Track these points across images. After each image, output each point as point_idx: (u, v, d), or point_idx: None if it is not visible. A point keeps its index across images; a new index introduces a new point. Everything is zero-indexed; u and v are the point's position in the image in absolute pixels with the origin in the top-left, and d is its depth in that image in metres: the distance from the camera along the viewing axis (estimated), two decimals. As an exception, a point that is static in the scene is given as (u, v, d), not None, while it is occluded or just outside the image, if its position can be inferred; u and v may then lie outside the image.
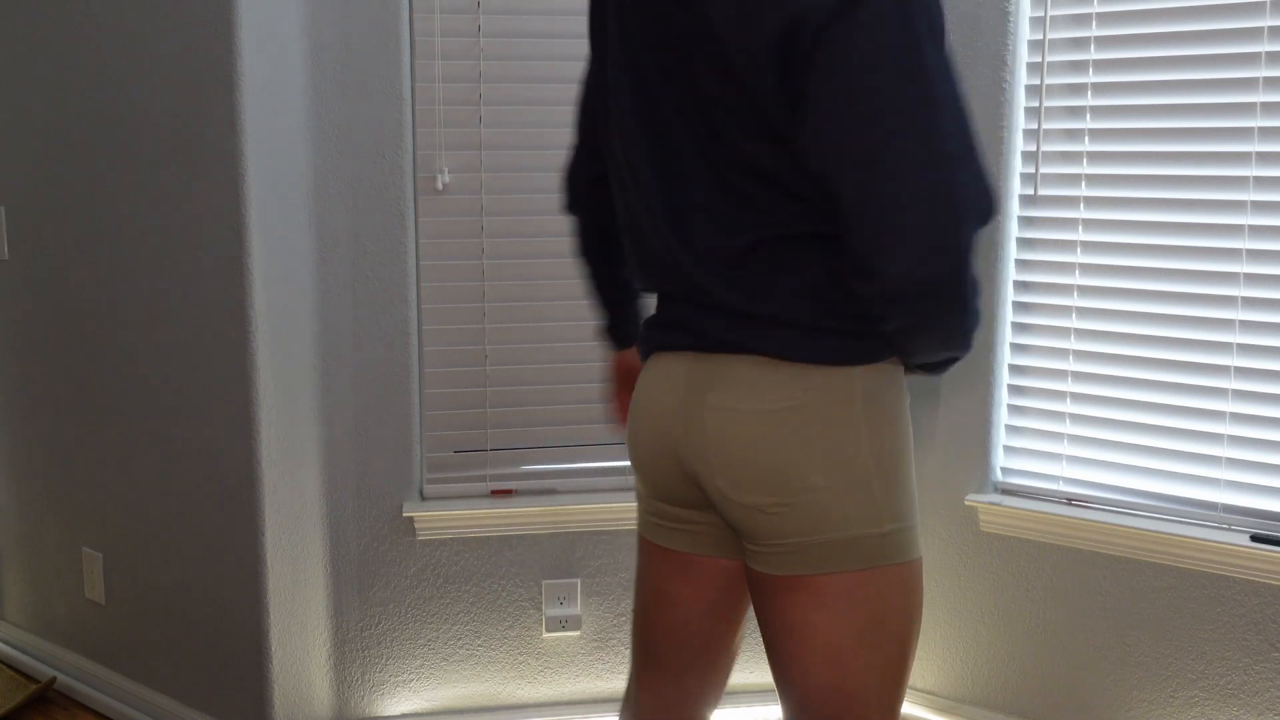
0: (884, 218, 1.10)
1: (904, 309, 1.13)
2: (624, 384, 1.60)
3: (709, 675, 1.45)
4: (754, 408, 1.23)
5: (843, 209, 1.13)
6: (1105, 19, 2.10)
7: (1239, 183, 2.01)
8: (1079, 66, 2.13)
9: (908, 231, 1.09)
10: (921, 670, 2.44)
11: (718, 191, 1.22)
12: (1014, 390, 2.28)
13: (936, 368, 1.28)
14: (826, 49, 1.08)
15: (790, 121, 1.14)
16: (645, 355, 1.37)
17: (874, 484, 1.23)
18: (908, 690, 2.47)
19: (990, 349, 2.27)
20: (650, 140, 1.27)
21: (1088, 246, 2.16)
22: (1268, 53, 1.96)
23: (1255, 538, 2.02)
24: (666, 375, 1.32)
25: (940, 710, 2.41)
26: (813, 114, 1.11)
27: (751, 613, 2.38)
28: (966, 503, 2.31)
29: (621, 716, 1.52)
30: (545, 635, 2.39)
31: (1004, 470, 2.31)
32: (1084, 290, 2.17)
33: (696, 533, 1.38)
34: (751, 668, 2.45)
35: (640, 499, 1.44)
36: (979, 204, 1.10)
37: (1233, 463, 2.06)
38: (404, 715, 2.39)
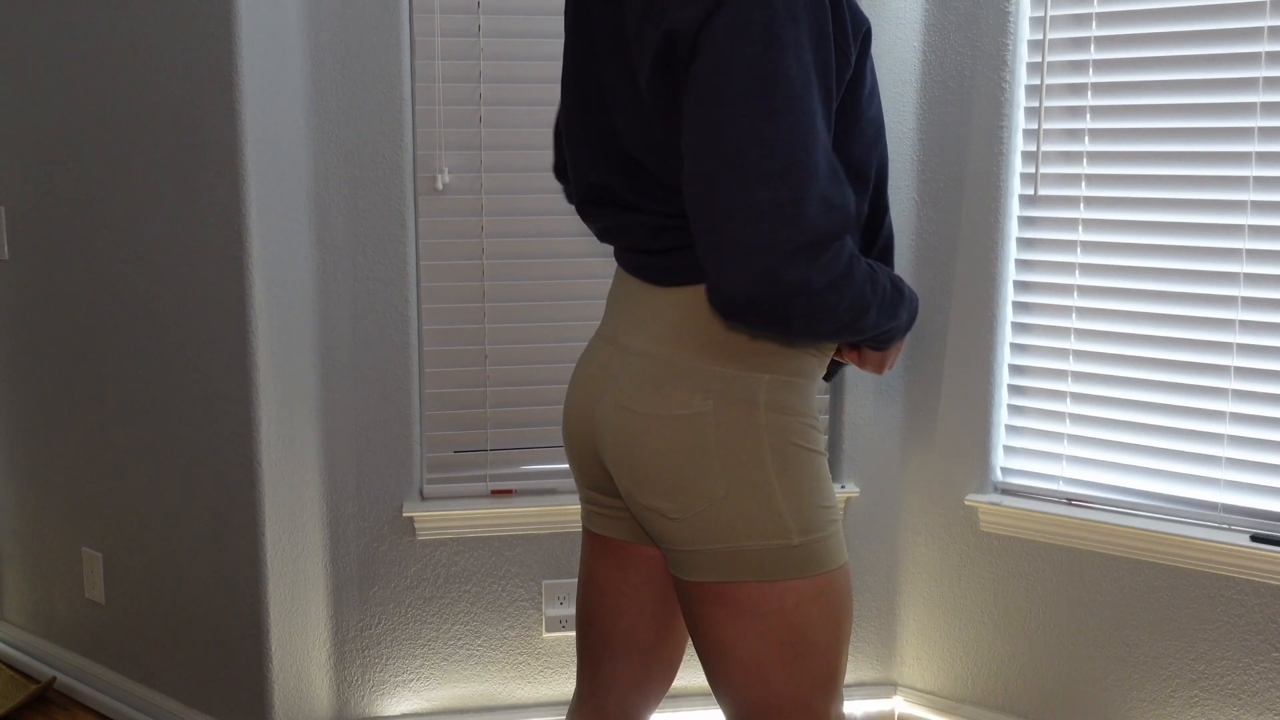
0: (717, 231, 1.06)
1: (748, 322, 1.08)
2: None
3: (647, 666, 1.45)
4: (655, 412, 1.22)
5: (689, 218, 1.11)
6: (1105, 19, 2.10)
7: (1239, 183, 2.01)
8: (1079, 66, 2.13)
9: (741, 246, 1.04)
10: (921, 670, 2.44)
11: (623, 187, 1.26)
12: (1014, 390, 2.28)
13: (876, 344, 1.26)
14: (696, 59, 1.09)
15: (669, 133, 1.16)
16: None
17: (778, 496, 1.21)
18: (909, 690, 2.47)
19: (990, 349, 2.27)
20: (571, 126, 1.32)
21: (1088, 246, 2.16)
22: (1268, 53, 1.96)
23: (1255, 538, 2.02)
24: (590, 361, 1.34)
25: (940, 710, 2.41)
26: (682, 125, 1.11)
27: None
28: (966, 503, 2.31)
29: (569, 711, 1.52)
30: (545, 635, 2.39)
31: (1004, 470, 2.31)
32: (1084, 290, 2.17)
33: (625, 519, 1.39)
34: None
35: (576, 485, 1.45)
36: (814, 226, 1.04)
37: (1233, 463, 2.06)
38: (404, 715, 2.39)
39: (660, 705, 2.44)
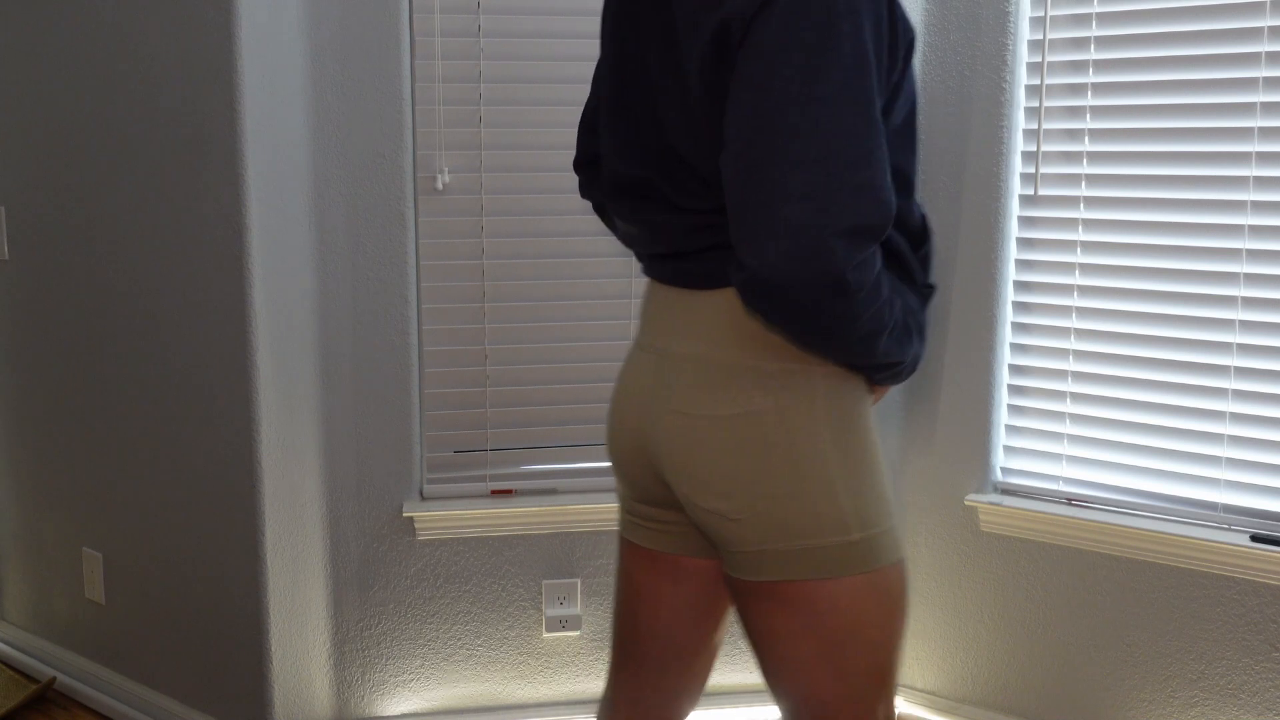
0: (751, 211, 1.06)
1: (765, 305, 1.08)
2: None
3: (686, 675, 1.45)
4: (713, 414, 1.21)
5: (726, 197, 1.10)
6: (1105, 19, 2.10)
7: (1239, 183, 2.00)
8: (1079, 66, 2.13)
9: (774, 227, 1.04)
10: (921, 670, 2.44)
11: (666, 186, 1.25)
12: (1014, 390, 2.28)
13: (876, 373, 1.24)
14: (747, 43, 1.08)
15: (715, 126, 1.15)
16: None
17: (840, 492, 1.21)
18: (909, 690, 2.47)
19: (990, 349, 2.27)
20: (611, 133, 1.31)
21: (1088, 246, 2.16)
22: (1268, 53, 1.95)
23: (1255, 538, 2.02)
24: (635, 372, 1.32)
25: (940, 710, 2.41)
26: (727, 110, 1.11)
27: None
28: (966, 503, 2.31)
29: (599, 716, 1.52)
30: (545, 635, 2.39)
31: (1004, 470, 2.31)
32: (1084, 290, 2.17)
33: (675, 533, 1.38)
34: (751, 668, 2.45)
35: (620, 498, 1.44)
36: (860, 213, 1.04)
37: (1233, 463, 2.06)
38: (404, 715, 2.39)
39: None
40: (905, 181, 1.25)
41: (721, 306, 1.22)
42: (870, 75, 1.07)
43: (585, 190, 1.49)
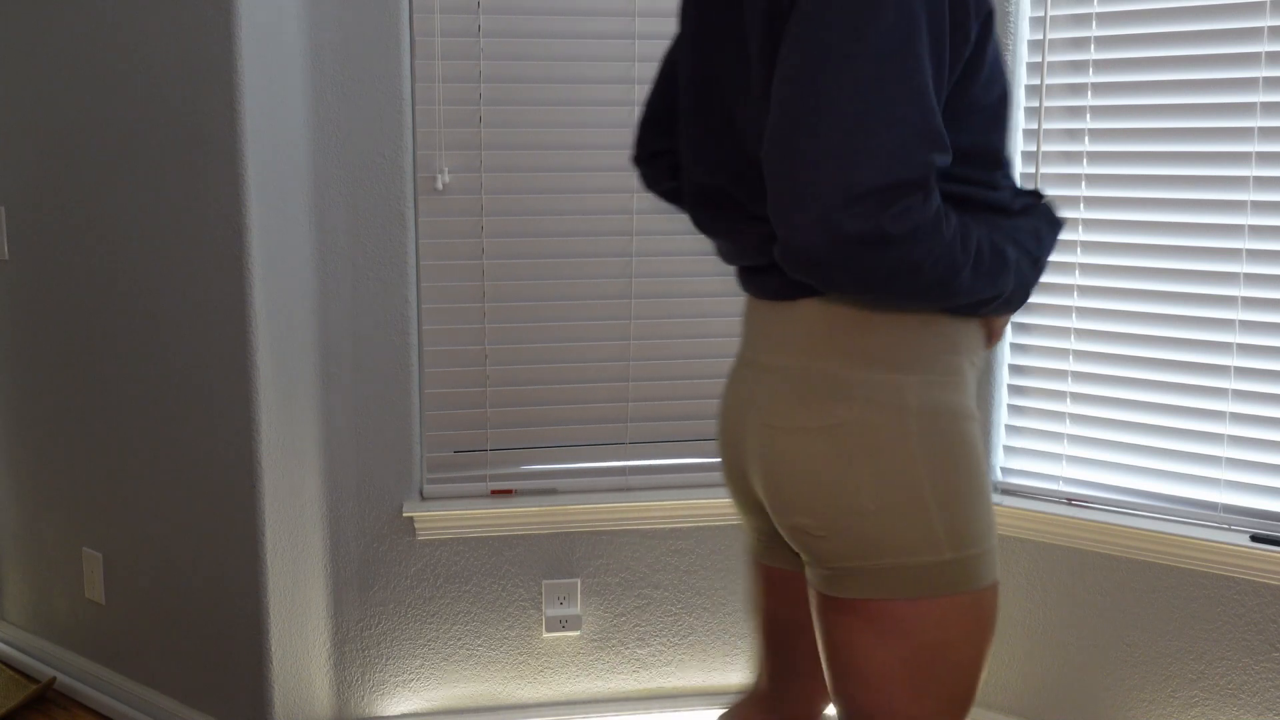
0: (777, 180, 1.02)
1: (806, 274, 1.03)
2: None
3: (820, 677, 1.44)
4: (796, 425, 1.18)
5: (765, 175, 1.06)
6: (1105, 19, 2.10)
7: (1239, 183, 2.00)
8: (1079, 66, 2.13)
9: (803, 191, 0.99)
10: (921, 670, 2.44)
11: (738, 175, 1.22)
12: (1014, 390, 2.28)
13: (979, 310, 1.17)
14: (796, 7, 1.05)
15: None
16: None
17: (931, 509, 1.15)
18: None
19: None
20: (688, 140, 1.29)
21: (1088, 246, 2.16)
22: (1268, 53, 1.95)
23: (1255, 538, 2.02)
24: (735, 386, 1.30)
25: (940, 710, 2.41)
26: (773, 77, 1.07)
27: None
28: (966, 503, 2.30)
29: (739, 708, 1.51)
30: (545, 635, 2.39)
31: (1004, 470, 2.31)
32: (1084, 290, 2.17)
33: (786, 547, 1.36)
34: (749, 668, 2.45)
35: (740, 514, 1.43)
36: (894, 168, 0.98)
37: (1233, 463, 2.06)
38: (404, 715, 2.39)
39: (659, 705, 2.44)
40: (993, 158, 1.18)
41: (805, 317, 1.19)
42: (918, 41, 1.01)
43: (648, 184, 1.48)
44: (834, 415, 1.16)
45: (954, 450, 1.17)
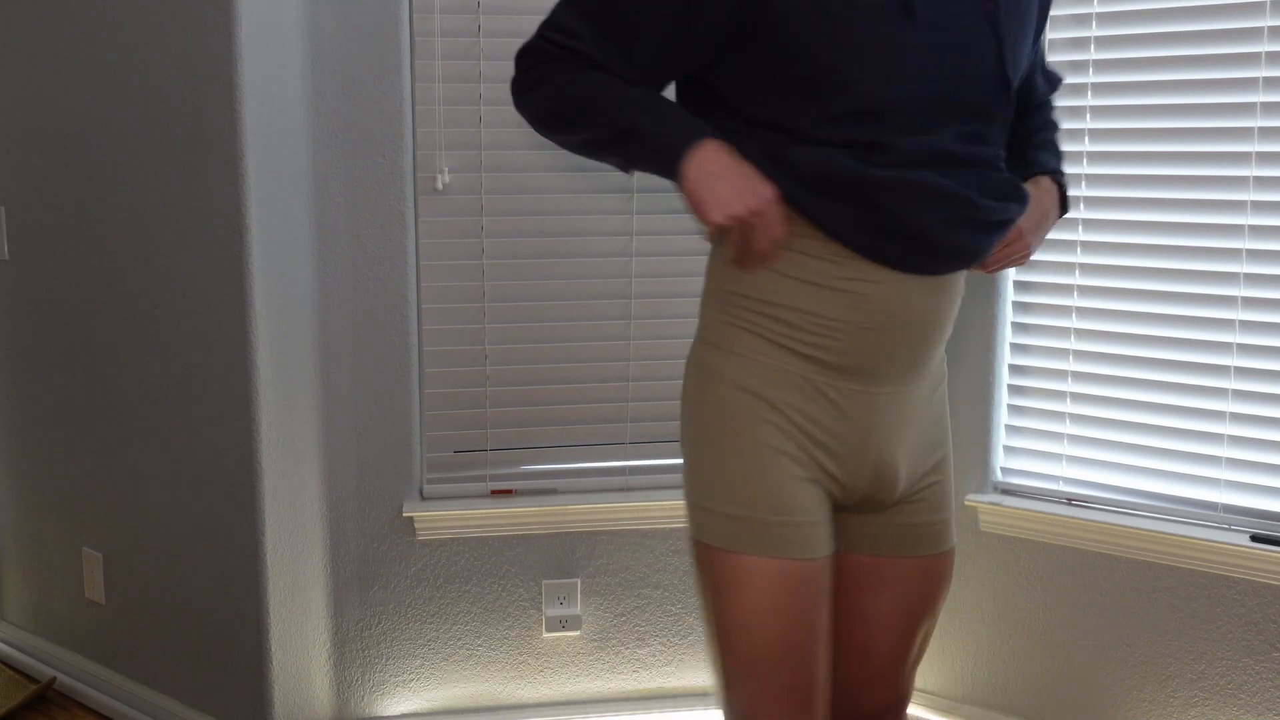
0: None
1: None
2: None
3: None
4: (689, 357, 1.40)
5: None
6: (1105, 19, 2.10)
7: (1239, 183, 2.01)
8: (1079, 66, 2.13)
9: None
10: (922, 670, 2.44)
11: None
12: (1014, 390, 2.28)
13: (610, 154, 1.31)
14: None
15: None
16: None
17: (696, 457, 1.33)
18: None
19: (990, 349, 2.27)
20: None
21: (1088, 246, 2.16)
22: (1268, 53, 1.96)
23: (1255, 538, 2.02)
24: None
25: (940, 710, 2.41)
26: None
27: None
28: (966, 503, 2.31)
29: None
30: (545, 635, 2.39)
31: (1004, 470, 2.31)
32: (1084, 290, 2.17)
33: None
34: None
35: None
36: (541, 31, 1.29)
37: (1233, 463, 2.06)
38: (404, 715, 2.39)
39: (659, 705, 2.44)
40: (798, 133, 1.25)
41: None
42: None
43: None
44: (691, 354, 1.38)
45: (706, 406, 1.32)
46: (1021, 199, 1.33)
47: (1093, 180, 2.14)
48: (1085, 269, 2.17)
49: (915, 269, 1.27)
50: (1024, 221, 1.38)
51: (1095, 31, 2.11)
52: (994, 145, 1.30)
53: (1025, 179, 1.44)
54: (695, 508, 1.32)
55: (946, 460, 1.44)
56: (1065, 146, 2.17)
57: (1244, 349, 2.03)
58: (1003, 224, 1.31)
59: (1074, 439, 2.22)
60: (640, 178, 2.27)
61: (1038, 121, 1.50)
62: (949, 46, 1.23)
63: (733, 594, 1.29)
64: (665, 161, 1.22)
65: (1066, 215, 2.18)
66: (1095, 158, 2.14)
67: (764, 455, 1.28)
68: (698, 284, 2.33)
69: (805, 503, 1.29)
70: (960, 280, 1.34)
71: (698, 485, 1.31)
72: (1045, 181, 1.44)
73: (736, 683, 1.31)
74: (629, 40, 1.24)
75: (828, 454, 1.31)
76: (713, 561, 1.30)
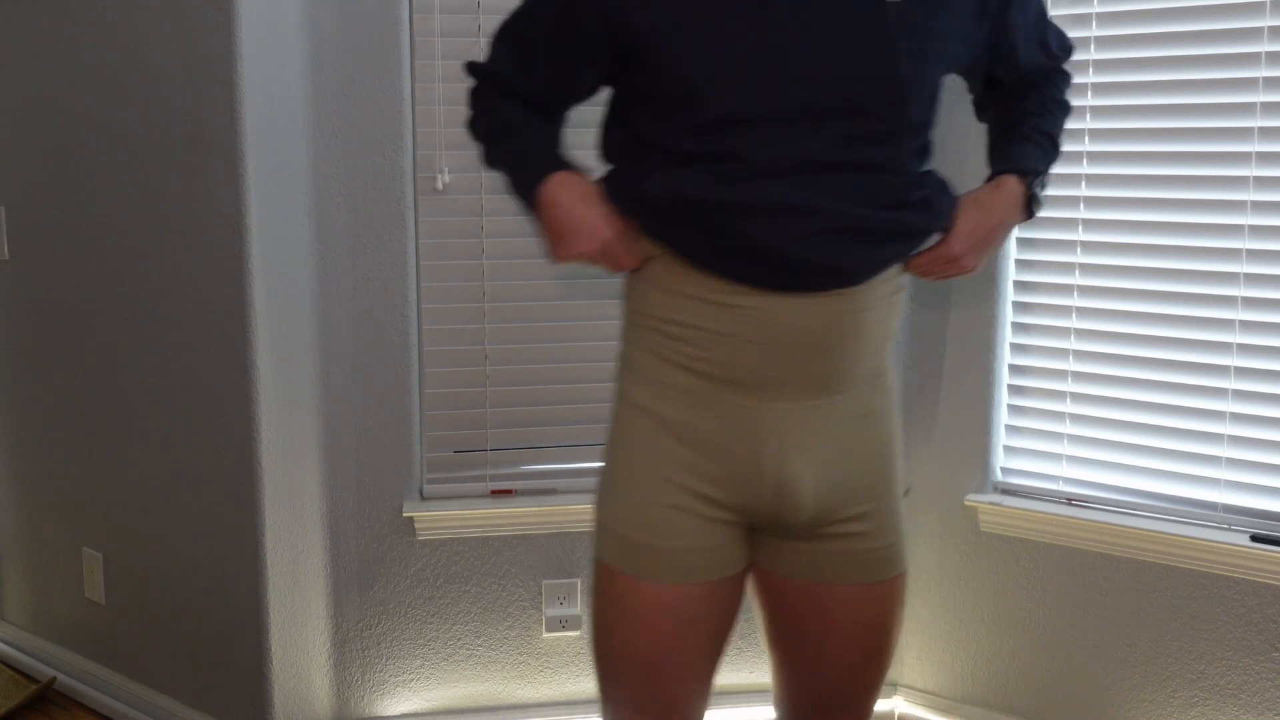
0: None
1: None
2: None
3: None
4: None
5: None
6: (1105, 19, 2.10)
7: (1239, 183, 2.01)
8: (1079, 66, 2.13)
9: None
10: (921, 670, 2.44)
11: None
12: (1014, 390, 2.28)
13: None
14: None
15: None
16: None
17: (602, 467, 1.37)
18: (909, 690, 2.47)
19: (990, 349, 2.27)
20: None
21: (1088, 246, 2.16)
22: (1268, 53, 1.96)
23: (1255, 538, 2.02)
24: None
25: (940, 710, 2.41)
26: None
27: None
28: (966, 503, 2.31)
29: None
30: (545, 635, 2.39)
31: (1004, 470, 2.31)
32: (1084, 290, 2.17)
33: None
34: (751, 668, 2.45)
35: None
36: (481, 63, 1.35)
37: (1233, 463, 2.06)
38: (404, 715, 2.39)
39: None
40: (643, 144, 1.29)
41: None
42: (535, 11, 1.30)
43: None
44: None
45: (612, 424, 1.36)
46: (933, 208, 1.26)
47: (1093, 180, 2.14)
48: (1085, 269, 2.17)
49: (782, 287, 1.21)
50: (959, 228, 1.30)
51: (1095, 31, 2.11)
52: (891, 146, 1.22)
53: (992, 176, 1.37)
54: (598, 520, 1.37)
55: (888, 482, 1.35)
56: (1065, 146, 2.17)
57: (1244, 349, 2.03)
58: (903, 234, 1.25)
59: (1074, 439, 2.22)
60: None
61: (1031, 104, 1.41)
62: (821, 46, 1.17)
63: (601, 602, 1.35)
64: (523, 199, 1.32)
65: (1065, 216, 2.18)
66: (1095, 158, 2.14)
67: (642, 478, 1.30)
68: (698, 284, 2.33)
69: (680, 528, 1.28)
70: (870, 295, 1.25)
71: (596, 496, 1.37)
72: (1009, 183, 1.35)
73: (602, 684, 1.39)
74: (530, 60, 1.31)
75: (718, 470, 1.28)
76: (595, 570, 1.36)
